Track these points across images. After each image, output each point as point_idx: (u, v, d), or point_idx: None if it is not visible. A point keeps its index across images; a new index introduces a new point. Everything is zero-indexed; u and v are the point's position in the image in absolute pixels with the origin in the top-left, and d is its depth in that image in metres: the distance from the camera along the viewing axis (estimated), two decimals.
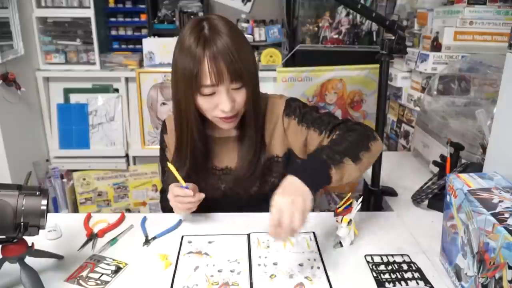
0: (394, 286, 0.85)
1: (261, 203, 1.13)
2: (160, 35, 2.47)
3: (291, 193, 0.80)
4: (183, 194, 1.01)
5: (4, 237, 0.76)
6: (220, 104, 0.96)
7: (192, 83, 0.94)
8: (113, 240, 1.00)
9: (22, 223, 0.74)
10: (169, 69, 2.30)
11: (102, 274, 0.88)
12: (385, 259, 0.93)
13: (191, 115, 1.00)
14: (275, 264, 0.90)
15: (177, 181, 1.03)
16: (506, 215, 0.69)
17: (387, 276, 0.87)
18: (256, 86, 1.04)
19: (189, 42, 0.94)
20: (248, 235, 1.02)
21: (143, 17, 2.52)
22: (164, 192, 1.24)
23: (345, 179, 0.86)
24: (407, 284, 0.85)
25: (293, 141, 1.11)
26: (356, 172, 0.88)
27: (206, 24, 0.95)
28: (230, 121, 1.01)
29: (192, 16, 2.47)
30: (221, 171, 1.14)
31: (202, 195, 1.03)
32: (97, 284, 0.85)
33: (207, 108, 0.98)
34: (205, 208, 1.08)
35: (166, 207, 1.18)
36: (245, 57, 0.96)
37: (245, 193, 1.13)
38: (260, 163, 1.10)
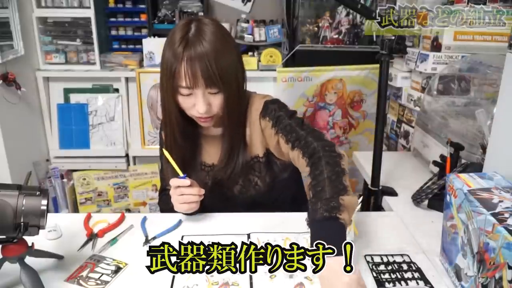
0: (394, 286, 0.85)
1: (250, 207, 1.14)
2: (160, 35, 2.46)
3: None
4: (182, 183, 1.03)
5: (4, 237, 0.76)
6: (196, 105, 1.00)
7: (171, 80, 0.98)
8: (113, 240, 1.00)
9: (22, 223, 0.74)
10: None
11: (102, 274, 0.88)
12: (385, 259, 0.93)
13: (173, 109, 1.04)
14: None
15: (175, 174, 1.05)
16: (506, 215, 0.69)
17: (387, 276, 0.87)
18: (236, 91, 1.04)
19: (175, 39, 0.99)
20: (248, 235, 1.02)
21: (143, 17, 2.51)
22: (162, 191, 1.25)
23: (351, 210, 0.83)
24: (407, 284, 0.85)
25: (269, 142, 1.12)
26: (353, 197, 0.84)
27: (194, 27, 0.99)
28: (205, 120, 1.05)
29: (192, 16, 2.47)
30: (209, 168, 1.18)
31: (203, 190, 1.05)
32: (97, 284, 0.85)
33: (185, 107, 1.02)
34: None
35: (164, 208, 1.20)
36: (223, 65, 0.97)
37: (229, 191, 1.17)
38: (239, 162, 1.12)
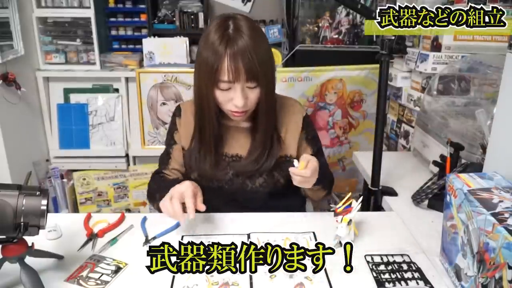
0: (394, 286, 0.85)
1: (264, 200, 1.15)
2: (160, 35, 2.46)
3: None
4: (172, 212, 0.98)
5: (4, 237, 0.76)
6: (234, 99, 1.03)
7: (212, 77, 1.01)
8: (113, 240, 1.00)
9: (22, 223, 0.74)
10: (169, 69, 2.33)
11: (102, 274, 0.88)
12: (385, 259, 0.93)
13: (210, 104, 1.07)
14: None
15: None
16: (506, 215, 0.69)
17: (387, 276, 0.87)
18: (271, 86, 1.10)
19: (213, 38, 1.01)
20: (248, 235, 1.02)
21: (143, 17, 2.52)
22: (157, 173, 1.25)
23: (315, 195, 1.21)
24: (407, 284, 0.85)
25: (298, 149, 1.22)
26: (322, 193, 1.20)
27: (232, 24, 1.02)
28: (239, 115, 1.08)
29: (192, 16, 2.47)
30: (231, 158, 1.18)
31: (191, 215, 0.98)
32: (97, 284, 0.85)
33: (222, 101, 1.06)
34: (211, 195, 1.09)
35: (151, 189, 1.22)
36: (262, 58, 1.02)
37: (251, 183, 1.17)
38: (272, 157, 1.16)
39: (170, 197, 1.00)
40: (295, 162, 1.05)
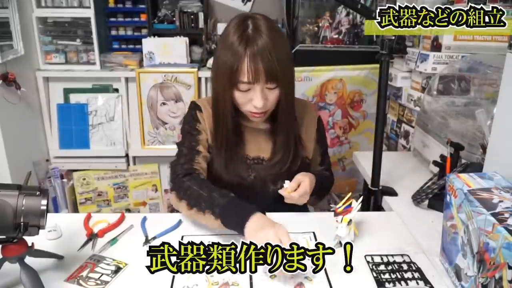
0: (394, 286, 0.85)
1: (282, 203, 1.13)
2: (160, 35, 2.46)
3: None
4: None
5: (4, 237, 0.76)
6: (253, 100, 1.03)
7: (231, 78, 1.00)
8: (113, 240, 1.00)
9: (22, 223, 0.74)
10: (169, 69, 2.33)
11: (102, 274, 0.88)
12: (385, 259, 0.93)
13: (226, 104, 1.06)
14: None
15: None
16: (506, 215, 0.69)
17: (387, 276, 0.87)
18: (291, 87, 1.10)
19: (232, 39, 1.00)
20: None
21: (143, 17, 2.51)
22: (187, 175, 1.06)
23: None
24: (407, 284, 0.85)
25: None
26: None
27: (251, 23, 1.01)
28: (259, 116, 1.08)
29: (192, 16, 2.47)
30: (252, 160, 1.17)
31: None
32: (97, 284, 0.85)
33: (241, 102, 1.06)
34: None
35: (189, 196, 1.01)
36: (282, 58, 1.01)
37: (273, 185, 1.17)
38: (298, 158, 1.18)
39: (266, 238, 0.83)
40: (286, 182, 1.08)
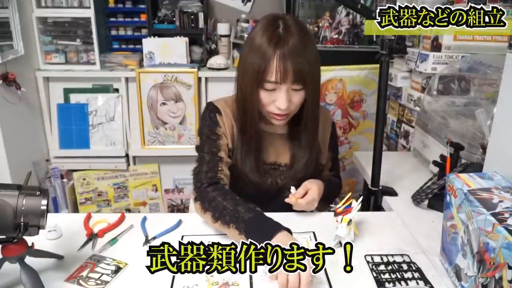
0: (394, 286, 0.85)
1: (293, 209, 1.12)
2: (160, 35, 2.46)
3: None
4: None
5: (4, 237, 0.76)
6: (277, 101, 1.01)
7: (258, 77, 0.98)
8: (113, 240, 1.00)
9: (22, 223, 0.74)
10: (169, 69, 2.33)
11: (102, 274, 0.88)
12: (385, 259, 0.93)
13: (254, 105, 1.05)
14: None
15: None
16: (506, 215, 0.69)
17: (387, 276, 0.87)
18: (317, 90, 1.08)
19: (261, 39, 0.98)
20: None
21: (143, 17, 2.51)
22: (212, 184, 1.04)
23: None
24: (407, 284, 0.85)
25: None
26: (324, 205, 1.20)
27: (282, 23, 0.99)
28: (281, 118, 1.06)
29: (192, 16, 2.47)
30: (268, 166, 1.16)
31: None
32: (97, 284, 0.85)
33: (264, 102, 1.03)
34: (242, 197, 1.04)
35: (214, 207, 0.99)
36: (311, 59, 1.00)
37: (288, 190, 1.14)
38: (320, 164, 1.19)
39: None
40: (292, 189, 1.07)
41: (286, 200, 1.07)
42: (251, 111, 1.05)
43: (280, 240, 0.88)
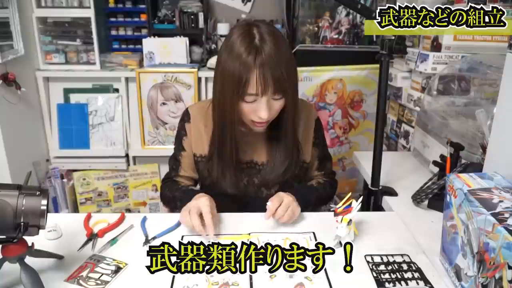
0: (394, 286, 0.85)
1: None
2: (160, 35, 2.46)
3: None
4: (192, 227, 0.99)
5: (4, 237, 0.76)
6: (258, 111, 1.01)
7: (239, 89, 0.98)
8: (113, 240, 1.00)
9: (22, 223, 0.74)
10: (169, 69, 2.33)
11: (102, 274, 0.88)
12: (385, 259, 0.93)
13: (233, 117, 1.05)
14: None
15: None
16: (506, 215, 0.69)
17: (387, 276, 0.87)
18: (296, 96, 1.08)
19: (240, 49, 0.97)
20: (249, 235, 1.01)
21: (143, 17, 2.51)
22: (169, 179, 1.24)
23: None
24: (407, 284, 0.85)
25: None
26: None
27: (257, 33, 0.99)
28: (261, 125, 1.07)
29: (192, 16, 2.47)
30: (245, 164, 1.16)
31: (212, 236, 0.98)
32: (97, 284, 0.85)
33: (245, 112, 1.04)
34: (220, 200, 1.09)
35: (165, 195, 1.22)
36: (288, 68, 1.00)
37: (267, 190, 1.16)
38: (297, 165, 1.17)
39: (188, 210, 1.00)
40: (268, 204, 1.04)
41: (265, 218, 1.03)
42: (230, 118, 1.05)
43: (198, 200, 1.01)
